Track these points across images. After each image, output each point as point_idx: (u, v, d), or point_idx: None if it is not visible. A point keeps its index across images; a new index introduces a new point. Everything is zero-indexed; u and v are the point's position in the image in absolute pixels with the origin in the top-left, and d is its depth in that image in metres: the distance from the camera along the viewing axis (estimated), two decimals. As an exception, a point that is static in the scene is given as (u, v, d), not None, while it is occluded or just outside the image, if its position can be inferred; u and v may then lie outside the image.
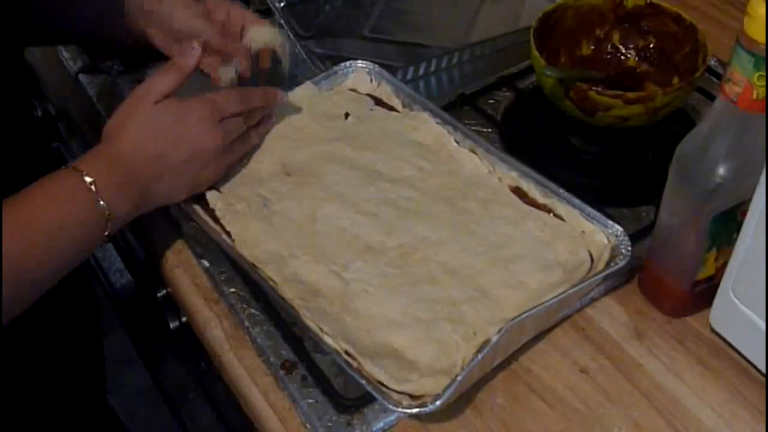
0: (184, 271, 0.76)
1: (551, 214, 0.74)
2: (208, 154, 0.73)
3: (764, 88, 0.57)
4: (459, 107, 0.91)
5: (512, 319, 0.62)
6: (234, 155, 0.77)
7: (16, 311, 0.62)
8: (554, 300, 0.65)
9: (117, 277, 1.16)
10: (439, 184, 0.78)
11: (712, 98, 0.69)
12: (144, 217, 0.73)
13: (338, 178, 0.78)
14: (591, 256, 0.70)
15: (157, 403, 1.47)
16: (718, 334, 0.69)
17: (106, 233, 0.67)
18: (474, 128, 0.85)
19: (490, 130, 0.88)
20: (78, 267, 0.67)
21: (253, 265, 0.71)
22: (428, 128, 0.82)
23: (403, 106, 0.86)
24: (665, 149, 0.68)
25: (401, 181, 0.78)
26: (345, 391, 0.65)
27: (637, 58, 0.90)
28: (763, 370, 0.65)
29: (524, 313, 0.63)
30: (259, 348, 0.69)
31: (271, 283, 0.69)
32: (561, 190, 0.74)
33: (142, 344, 1.39)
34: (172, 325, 0.83)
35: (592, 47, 0.91)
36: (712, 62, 0.93)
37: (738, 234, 0.63)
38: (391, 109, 0.86)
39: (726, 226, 0.64)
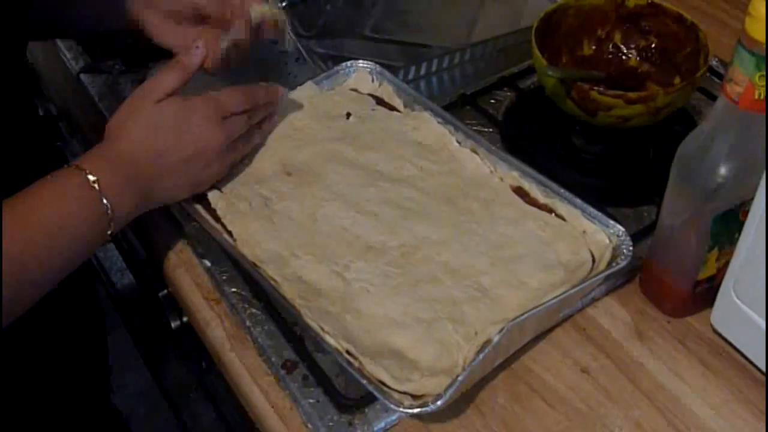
0: (185, 270, 0.76)
1: (552, 214, 0.74)
2: (210, 153, 0.72)
3: (765, 88, 0.57)
4: (460, 107, 0.91)
5: (513, 319, 0.62)
6: (237, 154, 0.77)
7: (16, 312, 0.61)
8: (555, 300, 0.65)
9: (118, 277, 1.16)
10: (441, 183, 0.77)
11: (714, 98, 0.69)
12: (145, 217, 0.73)
13: (339, 178, 0.78)
14: (592, 256, 0.70)
15: (158, 403, 1.47)
16: (719, 334, 0.69)
17: (109, 232, 0.66)
18: (475, 128, 0.85)
19: (491, 129, 0.88)
20: (81, 266, 0.67)
21: (254, 265, 0.70)
22: (429, 128, 0.82)
23: (405, 105, 0.86)
24: (666, 149, 0.68)
25: (402, 181, 0.78)
26: (346, 391, 0.65)
27: (638, 58, 0.90)
28: (764, 369, 0.65)
29: (525, 313, 0.63)
30: (261, 348, 0.69)
31: (272, 282, 0.69)
32: (562, 190, 0.74)
33: (143, 344, 1.39)
34: (173, 325, 0.83)
35: (594, 47, 0.91)
36: (714, 62, 0.93)
37: (739, 234, 0.63)
38: (393, 108, 0.86)
39: (727, 226, 0.64)
